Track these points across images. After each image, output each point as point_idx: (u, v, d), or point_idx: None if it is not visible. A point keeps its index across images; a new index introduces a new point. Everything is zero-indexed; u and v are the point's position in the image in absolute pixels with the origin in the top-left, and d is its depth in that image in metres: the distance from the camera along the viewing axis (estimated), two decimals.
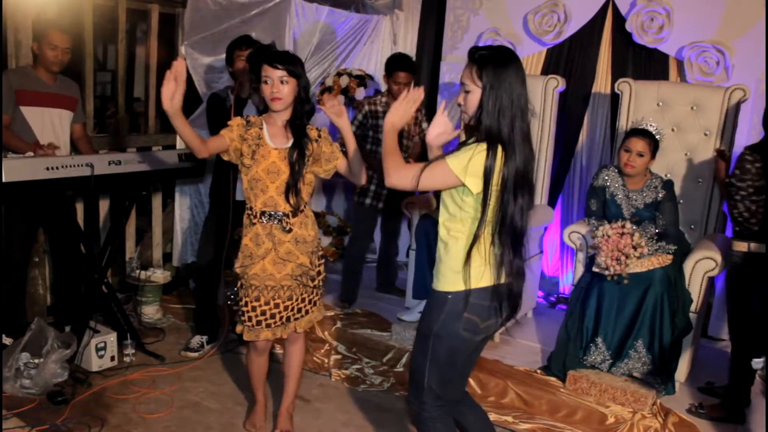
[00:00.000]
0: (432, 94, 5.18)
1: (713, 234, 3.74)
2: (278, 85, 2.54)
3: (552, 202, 4.65)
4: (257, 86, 2.61)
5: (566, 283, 4.82)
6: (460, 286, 2.15)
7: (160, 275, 4.25)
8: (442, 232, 2.21)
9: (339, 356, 3.70)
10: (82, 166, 3.17)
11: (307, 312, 2.79)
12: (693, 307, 3.38)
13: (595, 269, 3.33)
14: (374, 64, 5.19)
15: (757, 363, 2.28)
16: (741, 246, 3.10)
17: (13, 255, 3.48)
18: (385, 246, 4.60)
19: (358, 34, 4.98)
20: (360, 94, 4.74)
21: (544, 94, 4.17)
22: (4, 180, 2.98)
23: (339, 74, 4.84)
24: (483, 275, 2.15)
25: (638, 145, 3.37)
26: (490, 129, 2.06)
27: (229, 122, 2.63)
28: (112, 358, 3.52)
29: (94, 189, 3.26)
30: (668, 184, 3.43)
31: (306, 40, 4.48)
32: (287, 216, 2.65)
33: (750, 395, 3.23)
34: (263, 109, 2.75)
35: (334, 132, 3.90)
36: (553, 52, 4.72)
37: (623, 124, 3.95)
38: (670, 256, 3.32)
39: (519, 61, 2.12)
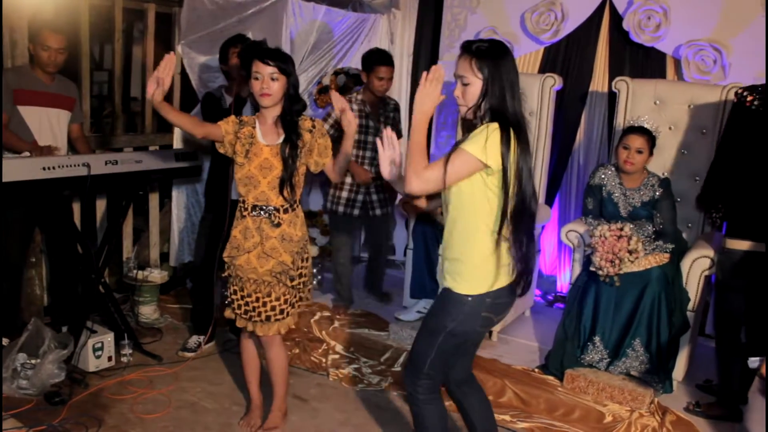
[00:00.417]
0: None
1: (710, 233, 3.74)
2: (268, 81, 2.56)
3: (549, 201, 4.65)
4: (249, 82, 2.62)
5: (564, 282, 4.82)
6: (481, 289, 2.19)
7: (157, 275, 4.24)
8: (459, 232, 2.20)
9: (337, 356, 3.70)
10: (78, 165, 3.17)
11: (288, 314, 2.78)
12: (690, 306, 3.38)
13: (591, 268, 3.33)
14: None
15: (753, 362, 2.28)
16: (723, 243, 3.14)
17: (9, 255, 3.47)
18: (373, 256, 4.50)
19: (356, 33, 4.97)
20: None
21: (541, 93, 4.17)
22: (2, 180, 2.98)
23: (336, 73, 4.82)
24: (502, 274, 2.20)
25: (637, 141, 3.38)
26: (498, 112, 2.11)
27: (225, 118, 2.72)
28: (110, 359, 3.51)
29: (90, 189, 3.25)
30: (665, 183, 3.43)
31: (303, 39, 4.47)
32: (278, 210, 2.67)
33: (747, 393, 3.24)
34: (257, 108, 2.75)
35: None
36: (550, 51, 4.72)
37: (620, 122, 3.95)
38: (668, 255, 3.32)
39: (511, 53, 2.19)
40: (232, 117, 2.71)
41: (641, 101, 3.93)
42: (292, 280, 2.74)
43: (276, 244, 2.68)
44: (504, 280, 2.21)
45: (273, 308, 2.74)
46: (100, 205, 4.29)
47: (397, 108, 4.24)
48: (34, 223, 3.66)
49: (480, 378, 3.41)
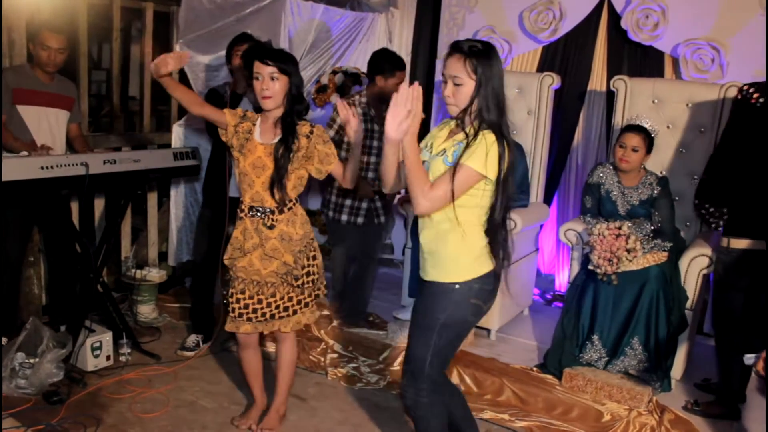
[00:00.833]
0: (428, 92, 5.18)
1: (708, 231, 3.74)
2: (268, 82, 2.55)
3: (548, 200, 4.65)
4: (251, 83, 2.63)
5: (562, 281, 4.82)
6: (467, 276, 2.21)
7: (155, 274, 4.24)
8: (444, 226, 2.21)
9: (335, 355, 3.70)
10: (76, 165, 3.17)
11: (294, 312, 2.77)
12: (688, 304, 3.39)
13: (590, 267, 3.33)
14: None
15: (749, 358, 2.29)
16: (723, 242, 3.13)
17: (8, 254, 3.47)
18: (361, 267, 4.02)
19: (354, 32, 4.97)
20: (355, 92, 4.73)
21: (539, 92, 4.18)
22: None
23: (334, 72, 4.82)
24: (486, 260, 2.23)
25: (633, 140, 3.38)
26: (492, 120, 2.12)
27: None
28: (108, 358, 3.51)
29: (89, 188, 3.25)
30: (663, 181, 3.44)
31: (301, 39, 4.47)
32: (272, 212, 2.65)
33: (745, 392, 3.24)
34: (259, 107, 2.75)
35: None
36: (548, 50, 4.72)
37: (618, 121, 3.95)
38: (666, 254, 3.32)
39: (499, 56, 2.21)
40: (239, 110, 2.74)
41: (639, 100, 3.93)
42: (296, 279, 2.72)
43: (276, 244, 2.66)
44: (488, 265, 2.24)
45: (277, 307, 2.74)
46: (99, 205, 4.29)
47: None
48: (33, 222, 3.65)
49: (478, 377, 3.43)
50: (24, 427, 2.87)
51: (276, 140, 2.63)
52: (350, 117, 2.48)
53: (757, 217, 2.98)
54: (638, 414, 3.13)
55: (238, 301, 2.76)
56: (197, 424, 3.07)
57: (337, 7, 4.84)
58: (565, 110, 4.66)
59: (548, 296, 4.77)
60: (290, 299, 2.75)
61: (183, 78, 4.39)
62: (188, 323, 4.09)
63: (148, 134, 4.55)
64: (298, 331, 3.85)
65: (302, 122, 2.65)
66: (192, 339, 3.82)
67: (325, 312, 4.07)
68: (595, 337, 3.37)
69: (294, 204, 2.72)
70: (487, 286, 2.26)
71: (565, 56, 4.67)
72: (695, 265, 3.36)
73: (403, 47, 5.23)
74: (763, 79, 3.71)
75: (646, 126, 3.42)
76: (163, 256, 4.71)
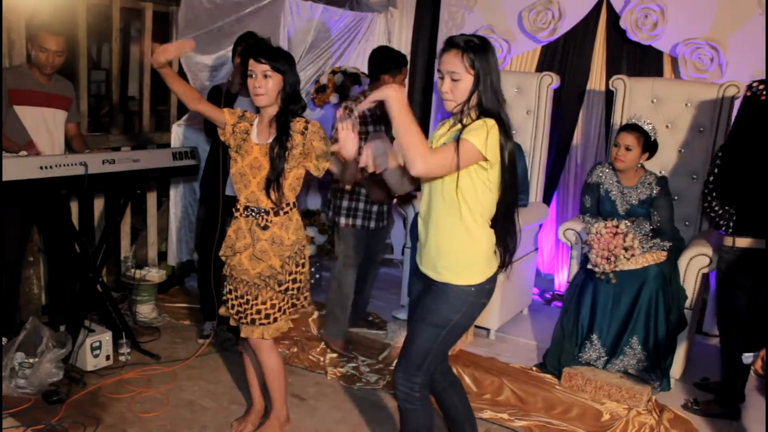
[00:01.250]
0: (427, 91, 5.18)
1: (708, 231, 3.74)
2: (261, 80, 2.52)
3: (547, 200, 4.66)
4: (245, 81, 2.61)
5: (561, 281, 4.83)
6: (481, 278, 2.24)
7: (155, 274, 4.24)
8: (456, 225, 2.21)
9: (335, 354, 3.70)
10: (76, 165, 3.17)
11: (275, 320, 2.69)
12: (688, 304, 3.39)
13: (588, 266, 3.33)
14: None
15: (747, 357, 2.29)
16: (728, 241, 3.12)
17: (7, 254, 3.47)
18: (364, 269, 3.91)
19: (353, 32, 4.97)
20: (355, 92, 4.73)
21: (538, 92, 4.18)
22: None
23: (334, 72, 4.82)
24: (494, 260, 2.27)
25: (626, 139, 3.38)
26: (491, 110, 2.13)
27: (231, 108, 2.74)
28: (107, 358, 3.51)
29: (88, 188, 3.25)
30: (662, 181, 3.44)
31: (300, 38, 4.47)
32: (267, 213, 2.62)
33: (744, 391, 3.25)
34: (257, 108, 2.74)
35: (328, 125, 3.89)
36: (547, 50, 4.73)
37: (618, 121, 3.95)
38: (665, 253, 3.33)
39: (494, 48, 2.21)
40: (238, 110, 2.72)
41: (638, 100, 3.93)
42: (280, 284, 2.65)
43: (266, 246, 2.62)
44: (495, 265, 2.29)
45: (258, 311, 2.67)
46: (98, 204, 4.29)
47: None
48: (32, 222, 3.65)
49: (478, 376, 3.43)
50: (24, 426, 2.87)
51: (271, 140, 2.60)
52: (348, 141, 2.30)
53: (764, 216, 2.97)
54: (637, 413, 3.13)
55: (227, 300, 2.77)
56: (197, 423, 3.07)
57: (337, 7, 4.84)
58: (564, 110, 4.66)
59: (547, 296, 4.77)
60: (273, 306, 2.68)
61: (182, 77, 4.39)
62: (191, 324, 4.09)
63: (147, 134, 4.55)
64: (297, 331, 3.88)
65: (297, 119, 2.60)
66: (207, 326, 3.88)
67: (324, 311, 4.07)
68: (595, 337, 3.37)
69: (291, 209, 2.67)
70: (492, 285, 2.30)
71: (564, 56, 4.68)
72: (694, 265, 3.36)
73: (402, 47, 5.23)
74: (762, 78, 3.71)
75: (644, 126, 3.41)
76: (162, 256, 4.71)
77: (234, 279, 2.72)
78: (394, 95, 2.04)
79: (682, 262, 3.39)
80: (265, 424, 2.94)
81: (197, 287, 4.12)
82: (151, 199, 4.59)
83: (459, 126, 2.17)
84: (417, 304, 2.39)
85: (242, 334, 2.75)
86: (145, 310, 4.15)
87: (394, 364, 3.56)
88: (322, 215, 4.93)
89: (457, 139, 2.09)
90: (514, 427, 3.17)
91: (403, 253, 4.29)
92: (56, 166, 3.09)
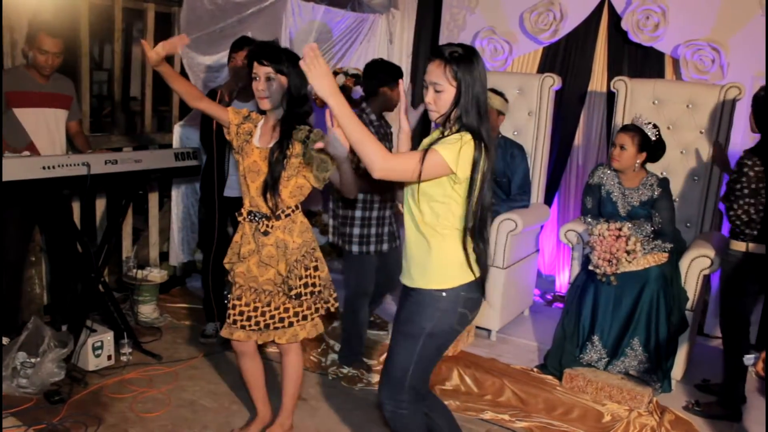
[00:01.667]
0: None
1: (709, 232, 3.75)
2: (264, 83, 2.46)
3: (548, 201, 4.66)
4: (244, 86, 2.58)
5: (562, 282, 4.83)
6: (454, 283, 2.16)
7: (156, 274, 4.25)
8: (425, 230, 2.16)
9: (336, 355, 3.70)
10: (78, 165, 3.17)
11: (290, 324, 2.64)
12: (689, 305, 3.39)
13: (590, 267, 3.33)
14: None
15: (749, 359, 2.30)
16: (739, 246, 3.10)
17: (9, 254, 3.47)
18: (384, 291, 3.86)
19: (355, 33, 4.98)
20: (356, 92, 4.74)
21: (540, 93, 4.18)
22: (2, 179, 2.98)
23: (335, 73, 4.83)
24: (471, 268, 2.18)
25: (620, 138, 3.39)
26: (471, 125, 2.07)
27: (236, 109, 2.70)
28: (109, 357, 3.51)
29: (90, 188, 3.25)
30: (664, 182, 3.44)
31: (302, 40, 4.48)
32: (267, 218, 2.55)
33: (745, 392, 3.25)
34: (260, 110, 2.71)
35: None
36: (549, 51, 4.73)
37: (619, 122, 3.96)
38: (666, 254, 3.33)
39: (482, 59, 2.15)
40: (244, 110, 2.67)
41: (640, 101, 3.94)
42: (290, 289, 2.58)
43: (273, 251, 2.56)
44: (472, 273, 2.19)
45: (272, 317, 2.63)
46: (100, 205, 4.30)
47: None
48: (34, 222, 3.66)
49: (479, 377, 3.43)
50: (25, 426, 2.87)
51: (272, 144, 2.53)
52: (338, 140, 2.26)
53: None
54: (638, 414, 3.13)
55: (234, 307, 2.68)
56: (198, 423, 3.08)
57: (338, 8, 4.85)
58: (566, 111, 4.67)
59: (549, 297, 4.77)
60: (286, 310, 2.63)
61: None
62: (192, 325, 4.10)
63: (149, 134, 4.55)
64: None
65: (301, 127, 2.53)
66: (210, 326, 3.91)
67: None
68: (596, 338, 3.37)
69: (293, 211, 2.59)
70: (473, 295, 2.20)
71: (565, 57, 4.68)
72: (696, 266, 3.36)
73: (403, 48, 5.24)
74: (763, 80, 3.72)
75: (644, 126, 3.40)
76: (164, 256, 4.71)
77: (240, 287, 2.65)
78: (338, 108, 1.95)
79: (684, 263, 3.39)
80: (268, 430, 2.88)
81: (201, 287, 4.12)
82: (153, 199, 4.60)
83: (437, 134, 2.15)
84: (397, 318, 2.32)
85: (259, 341, 2.71)
86: (147, 311, 4.15)
87: None
88: (323, 216, 4.93)
89: (427, 149, 2.04)
90: (514, 428, 3.17)
91: None
92: (58, 166, 3.09)
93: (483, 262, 2.19)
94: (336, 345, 3.76)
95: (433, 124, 2.35)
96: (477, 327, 3.92)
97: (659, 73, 4.32)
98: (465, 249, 2.15)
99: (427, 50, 5.24)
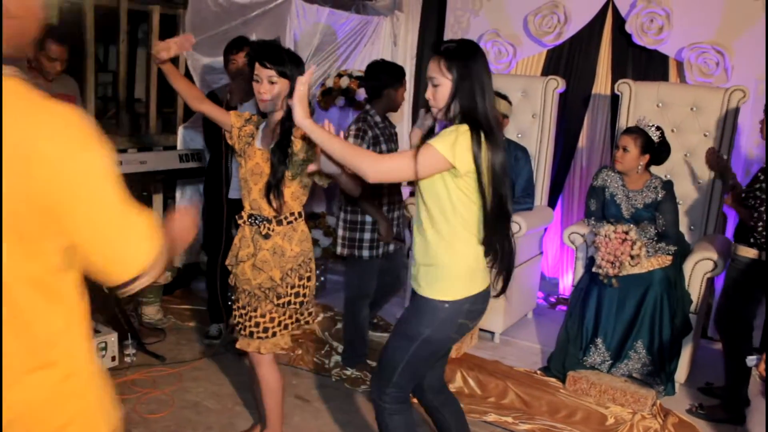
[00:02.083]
0: None
1: (713, 235, 3.74)
2: (266, 85, 2.42)
3: (552, 203, 4.66)
4: (249, 89, 2.57)
5: (566, 284, 4.82)
6: (458, 295, 2.12)
7: None
8: (432, 236, 2.12)
9: (339, 357, 3.71)
10: None
11: (273, 334, 2.57)
12: (692, 308, 3.39)
13: (594, 269, 3.33)
14: None
15: (751, 360, 2.29)
16: (749, 252, 3.09)
17: None
18: (387, 292, 3.84)
19: (359, 35, 4.99)
20: (360, 95, 4.74)
21: (544, 95, 4.18)
22: None
23: (339, 75, 4.84)
24: (479, 279, 2.14)
25: (623, 140, 3.39)
26: (468, 114, 2.04)
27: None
28: (113, 359, 3.52)
29: None
30: (668, 185, 3.43)
31: (306, 42, 4.49)
32: (269, 221, 2.52)
33: (748, 395, 3.24)
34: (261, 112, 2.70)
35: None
36: (553, 53, 4.73)
37: (623, 124, 3.95)
38: (670, 257, 3.32)
39: (483, 52, 2.11)
40: (246, 113, 2.65)
41: (644, 104, 3.94)
42: (279, 297, 2.53)
43: (267, 256, 2.51)
44: (481, 285, 2.15)
45: (257, 324, 2.56)
46: None
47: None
48: None
49: (482, 379, 3.43)
50: None
51: (273, 145, 2.50)
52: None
53: None
54: (642, 417, 3.13)
55: (237, 309, 2.67)
56: (201, 425, 3.08)
57: (343, 10, 4.85)
58: (570, 114, 4.67)
59: (552, 299, 4.77)
60: (272, 320, 2.56)
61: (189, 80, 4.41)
62: (196, 326, 4.11)
63: (153, 136, 4.57)
64: (302, 333, 3.88)
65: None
66: (214, 328, 3.91)
67: (329, 314, 4.08)
68: (599, 341, 3.37)
69: (296, 219, 2.56)
70: (478, 306, 2.17)
71: (569, 60, 4.68)
72: (699, 269, 3.36)
73: (408, 51, 5.25)
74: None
75: (647, 128, 3.40)
76: None
77: (237, 289, 2.64)
78: (313, 134, 2.03)
79: (687, 266, 3.38)
80: None
81: (205, 288, 4.13)
82: (157, 200, 4.60)
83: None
84: (401, 315, 2.32)
85: (237, 346, 2.64)
86: (151, 312, 4.16)
87: None
88: (327, 217, 4.94)
89: (420, 145, 2.03)
90: (518, 430, 3.17)
91: (408, 256, 4.30)
92: None
93: (506, 263, 2.14)
94: (339, 347, 3.77)
95: (437, 127, 2.33)
96: (480, 329, 3.92)
97: (663, 76, 4.31)
98: (475, 257, 2.11)
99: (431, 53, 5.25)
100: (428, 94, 2.12)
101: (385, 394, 2.23)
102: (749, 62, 3.96)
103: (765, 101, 3.13)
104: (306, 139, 2.41)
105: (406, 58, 5.24)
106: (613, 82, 4.35)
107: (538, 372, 3.53)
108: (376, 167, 2.01)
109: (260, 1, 4.18)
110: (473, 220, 2.09)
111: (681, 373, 3.40)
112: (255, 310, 2.57)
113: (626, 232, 3.25)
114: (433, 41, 5.20)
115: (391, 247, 3.51)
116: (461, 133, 1.99)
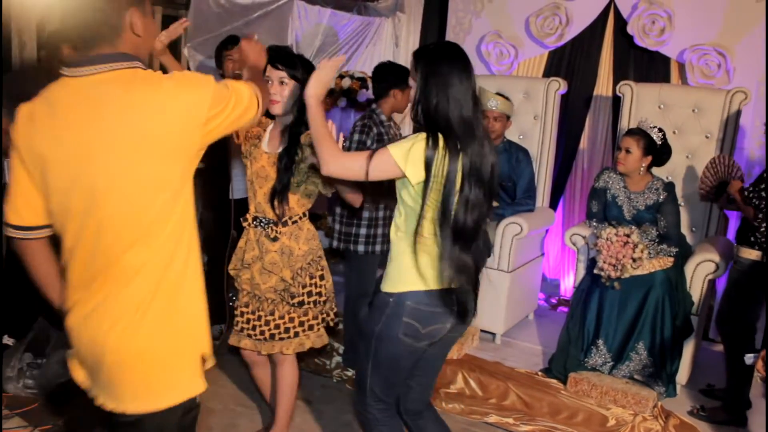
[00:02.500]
0: None
1: (714, 237, 3.74)
2: (277, 87, 2.43)
3: (553, 205, 4.66)
4: None
5: (567, 286, 4.83)
6: (399, 288, 2.05)
7: None
8: (391, 231, 2.11)
9: (341, 358, 3.71)
10: None
11: (296, 334, 2.58)
12: (694, 310, 3.39)
13: (595, 271, 3.33)
14: None
15: (749, 358, 2.30)
16: (752, 254, 3.09)
17: (15, 255, 3.49)
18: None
19: (360, 36, 5.00)
20: (362, 96, 4.75)
21: (545, 97, 4.18)
22: (7, 181, 3.00)
23: (341, 76, 4.85)
24: (423, 278, 2.03)
25: (625, 142, 3.39)
26: (428, 118, 1.98)
27: None
28: None
29: None
30: (669, 187, 3.44)
31: (308, 43, 4.50)
32: (275, 224, 2.51)
33: (750, 397, 3.24)
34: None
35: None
36: (554, 55, 4.74)
37: (625, 126, 3.96)
38: (671, 259, 3.32)
39: (457, 53, 2.02)
40: None
41: (645, 105, 3.94)
42: (293, 297, 2.53)
43: (276, 258, 2.51)
44: (427, 284, 2.03)
45: (277, 326, 2.57)
46: None
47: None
48: None
49: (483, 381, 3.43)
50: (31, 426, 2.88)
51: (280, 150, 2.49)
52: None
53: None
54: (643, 419, 3.13)
55: (241, 314, 2.65)
56: (203, 425, 3.08)
57: (344, 11, 4.86)
58: (571, 115, 4.67)
59: (553, 301, 4.77)
60: (291, 320, 2.57)
61: None
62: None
63: None
64: None
65: (308, 131, 2.44)
66: (216, 329, 3.89)
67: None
68: (600, 342, 3.37)
69: (301, 218, 2.56)
70: (423, 307, 2.03)
71: (571, 61, 4.69)
72: (701, 271, 3.36)
73: (409, 52, 5.22)
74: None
75: (649, 130, 3.40)
76: None
77: (247, 293, 2.62)
78: (314, 96, 2.03)
79: (689, 267, 3.38)
80: None
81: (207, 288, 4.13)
82: None
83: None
84: None
85: (263, 351, 2.63)
86: None
87: None
88: (328, 218, 4.94)
89: (377, 148, 2.01)
90: (519, 431, 3.17)
91: None
92: None
93: (467, 275, 2.00)
94: (340, 348, 3.77)
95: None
96: (482, 330, 3.92)
97: (665, 78, 4.32)
98: (421, 254, 2.01)
99: None
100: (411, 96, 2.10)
101: (367, 405, 2.18)
102: (751, 64, 3.97)
103: (765, 103, 3.13)
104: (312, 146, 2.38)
105: (407, 59, 5.22)
106: (615, 83, 4.36)
107: (540, 373, 3.53)
108: (335, 161, 2.01)
109: (262, 2, 4.19)
110: (413, 221, 2.01)
111: (682, 374, 3.40)
112: (272, 314, 2.57)
113: (628, 235, 3.25)
114: None
115: (378, 247, 3.50)
116: (417, 141, 1.94)
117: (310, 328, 2.61)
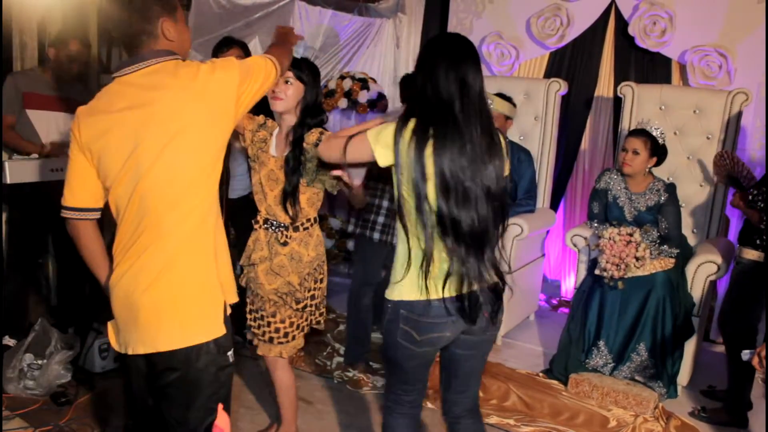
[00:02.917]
0: None
1: (716, 238, 3.74)
2: (281, 85, 2.43)
3: (554, 206, 4.66)
4: None
5: (568, 287, 4.83)
6: (394, 297, 2.00)
7: None
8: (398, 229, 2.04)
9: (342, 358, 3.71)
10: None
11: (293, 338, 2.61)
12: (695, 311, 3.38)
13: (596, 272, 3.33)
14: (377, 67, 5.20)
15: (746, 354, 2.30)
16: (754, 255, 3.09)
17: (17, 256, 3.49)
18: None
19: (361, 37, 5.00)
20: (363, 97, 4.75)
21: (546, 98, 4.18)
22: (9, 181, 3.00)
23: (342, 77, 4.85)
24: (415, 287, 1.94)
25: (633, 143, 3.38)
26: (412, 101, 1.94)
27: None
28: (116, 360, 3.52)
29: None
30: (670, 188, 3.44)
31: (309, 43, 4.50)
32: (286, 228, 2.52)
33: (751, 398, 3.24)
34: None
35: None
36: (555, 56, 4.74)
37: (625, 127, 3.96)
38: (673, 260, 3.32)
39: (450, 47, 1.91)
40: (260, 116, 2.61)
41: (646, 106, 3.94)
42: (298, 302, 2.55)
43: (285, 261, 2.51)
44: (422, 294, 1.93)
45: (277, 330, 2.58)
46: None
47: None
48: (42, 224, 3.68)
49: (484, 382, 3.43)
50: (32, 427, 2.88)
51: (287, 152, 2.49)
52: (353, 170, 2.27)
53: None
54: (644, 420, 3.13)
55: (249, 312, 2.67)
56: None
57: (345, 12, 4.86)
58: (572, 116, 4.67)
59: (554, 302, 4.77)
60: (291, 324, 2.59)
61: None
62: None
63: None
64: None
65: (312, 130, 2.48)
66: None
67: (332, 315, 4.08)
68: (601, 343, 3.37)
69: (311, 224, 2.56)
70: (416, 317, 1.96)
71: (572, 62, 4.69)
72: (702, 272, 3.36)
73: (410, 53, 5.25)
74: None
75: (652, 131, 3.40)
76: None
77: (252, 291, 2.63)
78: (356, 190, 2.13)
79: (690, 269, 3.38)
80: None
81: None
82: None
83: None
84: None
85: (259, 352, 2.65)
86: None
87: None
88: (330, 219, 4.94)
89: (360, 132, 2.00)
90: None
91: None
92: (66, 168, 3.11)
93: (468, 281, 1.89)
94: (341, 348, 3.77)
95: None
96: None
97: (666, 79, 4.32)
98: (414, 262, 1.92)
99: None
100: None
101: (388, 392, 2.23)
102: (752, 65, 3.97)
103: (766, 104, 3.13)
104: (318, 145, 2.37)
105: (408, 60, 5.25)
106: (616, 84, 4.36)
107: (540, 374, 3.53)
108: (326, 142, 2.10)
109: (263, 2, 4.19)
110: (411, 220, 1.91)
111: (683, 375, 3.40)
112: (273, 316, 2.58)
113: (630, 234, 3.25)
114: None
115: (389, 237, 3.45)
116: (387, 125, 1.91)
117: (301, 329, 2.64)
